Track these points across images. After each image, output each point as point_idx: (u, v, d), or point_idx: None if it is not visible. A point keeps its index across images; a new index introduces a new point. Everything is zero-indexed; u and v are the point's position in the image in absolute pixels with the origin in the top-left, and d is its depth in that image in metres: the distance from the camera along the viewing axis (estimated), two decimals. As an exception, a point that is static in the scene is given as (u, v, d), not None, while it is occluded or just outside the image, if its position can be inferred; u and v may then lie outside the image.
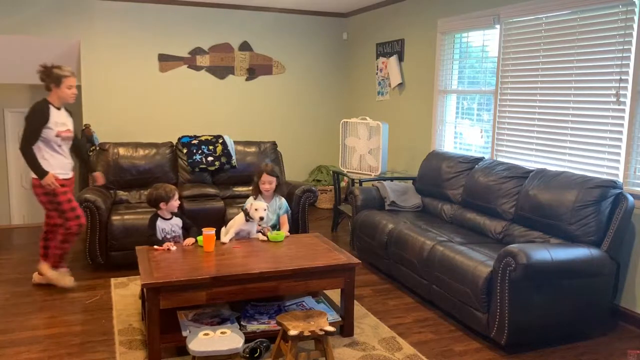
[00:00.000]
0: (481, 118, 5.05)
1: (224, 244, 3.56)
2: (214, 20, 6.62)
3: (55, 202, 3.88)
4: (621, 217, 3.35)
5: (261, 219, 3.64)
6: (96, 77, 6.24)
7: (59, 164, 3.90)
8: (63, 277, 4.08)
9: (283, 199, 4.06)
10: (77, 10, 6.06)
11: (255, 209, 3.64)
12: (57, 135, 3.84)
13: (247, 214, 3.65)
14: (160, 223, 3.60)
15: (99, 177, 4.37)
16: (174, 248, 3.43)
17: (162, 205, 3.60)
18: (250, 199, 3.99)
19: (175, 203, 3.65)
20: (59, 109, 3.90)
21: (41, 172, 3.78)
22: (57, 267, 4.09)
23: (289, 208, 4.10)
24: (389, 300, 4.00)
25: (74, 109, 6.74)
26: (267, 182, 3.92)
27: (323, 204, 7.04)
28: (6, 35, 5.84)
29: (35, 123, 3.77)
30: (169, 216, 3.65)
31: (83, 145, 4.30)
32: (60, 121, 3.88)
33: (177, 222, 3.69)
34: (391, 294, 4.11)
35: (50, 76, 3.82)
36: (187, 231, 3.71)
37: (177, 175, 5.34)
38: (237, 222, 3.70)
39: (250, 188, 4.24)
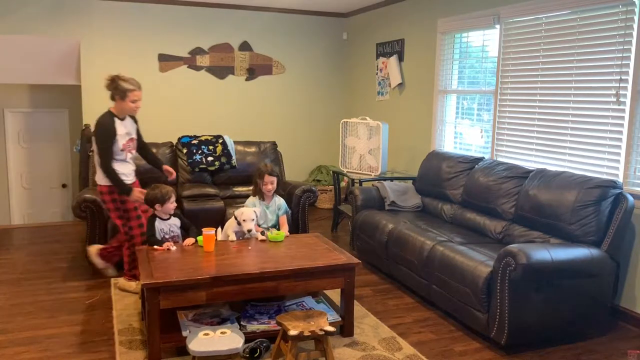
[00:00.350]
0: (481, 118, 5.05)
1: (232, 241, 3.58)
2: (214, 20, 6.62)
3: (123, 209, 3.84)
4: (621, 217, 3.35)
5: (249, 231, 3.59)
6: (96, 77, 6.21)
7: (125, 171, 3.87)
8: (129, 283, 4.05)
9: (282, 200, 4.07)
10: (77, 10, 6.06)
11: (244, 220, 3.60)
12: (123, 149, 3.83)
13: (236, 218, 3.66)
14: (158, 223, 3.60)
15: (170, 170, 4.24)
16: (174, 248, 3.43)
17: (157, 206, 3.60)
18: (251, 200, 4.00)
19: (170, 206, 3.63)
20: (122, 119, 3.86)
21: (127, 190, 3.77)
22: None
23: (288, 208, 4.10)
24: (389, 300, 4.00)
25: (74, 109, 6.79)
26: (270, 183, 3.94)
27: (323, 204, 7.04)
28: (6, 35, 5.84)
29: (105, 141, 3.74)
30: (166, 216, 3.64)
31: (146, 146, 4.23)
32: (124, 132, 3.85)
33: (175, 222, 3.68)
34: (391, 294, 4.11)
35: (117, 88, 3.77)
36: (186, 231, 3.71)
37: (177, 176, 5.33)
38: (231, 226, 3.70)
39: (251, 188, 4.24)
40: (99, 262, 4.08)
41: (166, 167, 4.25)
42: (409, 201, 4.91)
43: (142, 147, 4.16)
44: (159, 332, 2.94)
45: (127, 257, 3.97)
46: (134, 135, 3.97)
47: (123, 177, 3.82)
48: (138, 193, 3.79)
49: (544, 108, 4.24)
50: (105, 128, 3.74)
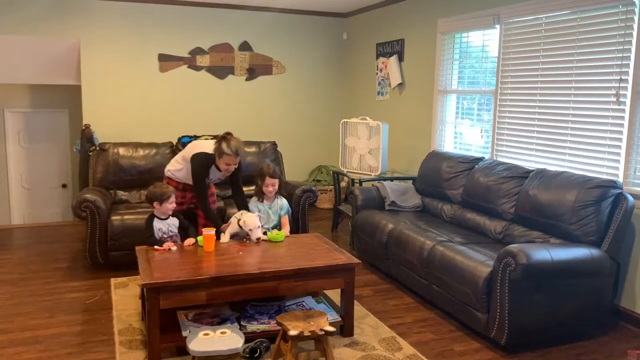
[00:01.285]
0: (481, 118, 5.05)
1: (223, 243, 3.56)
2: (214, 20, 6.62)
3: None
4: (621, 217, 3.35)
5: (258, 239, 3.55)
6: (96, 77, 6.24)
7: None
8: None
9: (284, 200, 4.07)
10: (77, 10, 6.06)
11: (250, 230, 3.55)
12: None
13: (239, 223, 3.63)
14: (156, 223, 3.59)
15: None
16: (174, 248, 3.43)
17: (155, 204, 3.59)
18: (253, 202, 3.99)
19: (169, 206, 3.61)
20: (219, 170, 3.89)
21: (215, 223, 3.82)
22: None
23: (289, 208, 4.10)
24: (389, 300, 4.00)
25: (74, 109, 6.79)
26: (271, 185, 3.94)
27: (323, 204, 7.04)
28: (6, 35, 5.84)
29: (201, 176, 3.86)
30: (164, 216, 3.64)
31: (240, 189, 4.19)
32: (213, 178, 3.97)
33: (173, 222, 3.68)
34: (391, 294, 4.11)
35: (217, 149, 3.76)
36: (184, 231, 3.70)
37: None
38: (231, 226, 3.68)
39: (251, 188, 4.24)
40: None
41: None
42: (409, 201, 4.91)
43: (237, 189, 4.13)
44: (159, 332, 2.94)
45: None
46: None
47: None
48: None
49: (544, 108, 4.24)
50: (202, 167, 3.85)
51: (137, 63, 6.37)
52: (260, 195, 3.99)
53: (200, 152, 3.82)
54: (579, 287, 3.23)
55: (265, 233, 3.79)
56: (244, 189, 5.41)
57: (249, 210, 3.86)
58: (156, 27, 6.39)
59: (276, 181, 3.95)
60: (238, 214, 3.68)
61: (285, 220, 4.00)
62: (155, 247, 3.43)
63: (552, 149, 4.18)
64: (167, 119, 6.53)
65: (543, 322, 3.19)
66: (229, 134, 3.80)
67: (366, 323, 3.54)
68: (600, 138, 3.79)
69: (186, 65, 6.59)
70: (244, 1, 6.41)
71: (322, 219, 6.47)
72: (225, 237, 3.60)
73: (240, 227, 3.60)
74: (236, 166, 3.83)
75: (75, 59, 6.21)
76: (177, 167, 4.04)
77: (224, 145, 3.74)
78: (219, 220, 3.88)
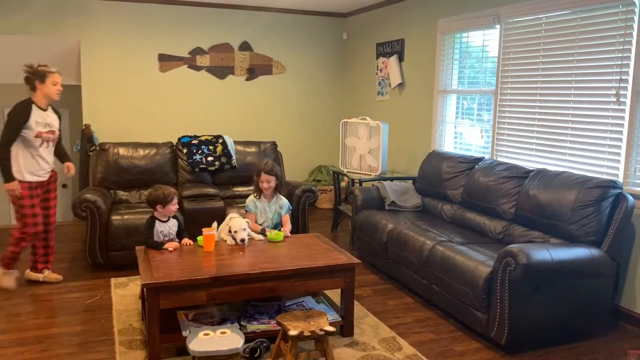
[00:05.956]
0: (481, 118, 5.05)
1: (230, 244, 3.55)
2: (214, 20, 6.62)
3: (18, 205, 3.84)
4: (621, 217, 3.35)
5: (242, 240, 3.52)
6: (96, 77, 6.24)
7: (29, 167, 3.83)
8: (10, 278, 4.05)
9: (284, 199, 4.06)
10: (77, 10, 6.06)
11: (235, 231, 3.53)
12: (37, 136, 3.78)
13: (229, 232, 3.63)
14: (158, 226, 3.58)
15: (69, 166, 4.22)
16: (172, 248, 3.43)
17: (158, 207, 3.58)
18: (251, 199, 4.00)
19: (172, 207, 3.60)
20: (44, 109, 3.85)
21: (7, 177, 3.73)
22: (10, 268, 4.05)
23: (290, 207, 4.09)
24: (389, 300, 4.00)
25: (74, 109, 6.79)
26: (266, 181, 3.91)
27: (323, 204, 7.04)
28: (6, 35, 5.84)
29: (13, 122, 3.71)
30: (165, 218, 3.63)
31: (62, 149, 4.19)
32: (42, 121, 3.81)
33: (173, 224, 3.67)
34: (391, 294, 4.11)
35: (36, 73, 3.77)
36: (178, 235, 3.68)
37: (177, 175, 5.34)
38: (225, 228, 3.67)
39: (251, 188, 4.24)
40: (5, 279, 4.02)
41: (67, 163, 4.20)
42: (409, 201, 4.91)
43: (56, 147, 4.11)
44: (159, 332, 2.94)
45: (10, 247, 3.94)
46: (55, 129, 3.93)
47: (30, 170, 3.82)
48: (16, 185, 3.75)
49: (544, 108, 4.24)
50: (18, 111, 3.74)
51: (137, 63, 6.37)
52: (259, 192, 3.98)
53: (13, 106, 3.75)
54: (579, 287, 3.23)
55: (264, 232, 3.78)
56: (244, 188, 5.46)
57: (66, 158, 4.13)
58: (156, 27, 6.39)
59: (272, 178, 3.92)
60: (227, 219, 3.69)
61: (287, 219, 3.99)
62: (166, 246, 3.41)
63: (552, 149, 4.18)
64: (167, 119, 6.54)
65: (543, 322, 3.19)
66: (37, 64, 3.79)
67: (366, 323, 3.54)
68: (600, 138, 3.79)
69: (186, 65, 6.59)
70: (244, 1, 6.41)
71: (322, 219, 6.47)
72: (229, 239, 3.59)
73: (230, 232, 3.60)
74: (60, 86, 3.81)
75: (75, 59, 6.21)
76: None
77: (42, 68, 3.77)
78: (10, 174, 3.75)
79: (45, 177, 3.98)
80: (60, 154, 4.20)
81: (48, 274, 4.19)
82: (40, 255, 4.16)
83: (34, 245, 4.13)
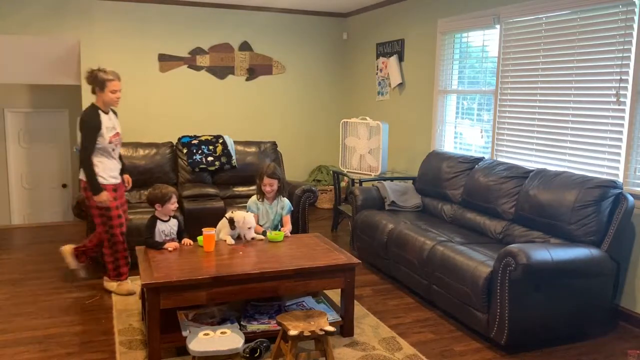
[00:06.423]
0: (481, 118, 5.05)
1: (230, 244, 3.54)
2: (214, 20, 6.62)
3: (104, 209, 3.82)
4: (621, 217, 3.35)
5: (252, 239, 3.60)
6: (96, 77, 6.23)
7: (108, 170, 3.84)
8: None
9: (286, 200, 4.06)
10: (77, 10, 6.06)
11: (249, 228, 3.59)
12: (110, 142, 3.80)
13: (231, 223, 3.62)
14: (160, 225, 3.58)
15: (127, 180, 4.21)
16: (171, 249, 3.43)
17: (157, 206, 3.59)
18: (253, 200, 4.00)
19: (171, 207, 3.61)
20: (106, 112, 3.83)
21: (96, 188, 3.74)
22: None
23: (291, 207, 4.09)
24: (389, 300, 4.00)
25: (74, 109, 6.79)
26: (268, 185, 3.92)
27: (323, 204, 7.04)
28: (6, 35, 5.84)
29: (90, 132, 3.71)
30: (165, 218, 3.63)
31: (120, 157, 4.18)
32: (109, 125, 3.82)
33: (174, 223, 3.68)
34: (391, 294, 4.11)
35: (95, 80, 3.75)
36: (178, 235, 3.68)
37: (177, 175, 5.34)
38: (224, 229, 3.67)
39: (251, 188, 4.24)
40: (72, 262, 4.07)
41: (125, 176, 4.17)
42: (409, 201, 4.91)
43: None
44: (159, 332, 2.94)
45: (108, 256, 3.94)
46: (119, 130, 3.93)
47: (110, 174, 3.83)
48: (105, 197, 3.75)
49: (544, 108, 4.24)
50: (90, 120, 3.73)
51: (137, 63, 6.37)
52: (261, 194, 3.99)
53: (82, 114, 3.75)
54: (579, 287, 3.23)
55: (264, 233, 3.79)
56: (244, 188, 5.46)
57: (125, 169, 4.08)
58: (156, 27, 6.39)
59: (274, 181, 3.93)
60: (228, 214, 3.67)
61: (287, 220, 3.99)
62: (166, 246, 3.42)
63: (552, 149, 4.18)
64: (167, 119, 6.53)
65: (543, 322, 3.19)
66: (95, 68, 3.76)
67: (366, 323, 3.54)
68: (600, 138, 3.79)
69: (186, 65, 6.59)
70: (244, 1, 6.41)
71: (322, 219, 6.47)
72: (229, 239, 3.58)
73: (232, 225, 3.60)
74: (120, 92, 3.78)
75: (75, 59, 6.21)
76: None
77: (102, 75, 3.73)
78: (97, 185, 3.76)
79: (119, 179, 3.99)
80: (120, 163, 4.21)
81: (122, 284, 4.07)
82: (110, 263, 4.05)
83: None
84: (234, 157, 5.53)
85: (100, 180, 3.78)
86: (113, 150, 3.87)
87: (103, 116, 3.78)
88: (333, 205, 6.26)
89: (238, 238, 3.65)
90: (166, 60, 6.50)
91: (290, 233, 3.88)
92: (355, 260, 3.32)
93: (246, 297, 3.19)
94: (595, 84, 3.82)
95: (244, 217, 3.60)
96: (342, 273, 3.28)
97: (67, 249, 4.10)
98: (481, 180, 4.26)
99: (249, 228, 3.59)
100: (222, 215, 4.66)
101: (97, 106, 3.79)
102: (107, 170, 3.83)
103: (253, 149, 5.67)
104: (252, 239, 3.61)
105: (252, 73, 6.90)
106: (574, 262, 3.19)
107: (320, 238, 3.79)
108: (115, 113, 3.99)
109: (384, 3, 6.27)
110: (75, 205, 4.36)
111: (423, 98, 5.70)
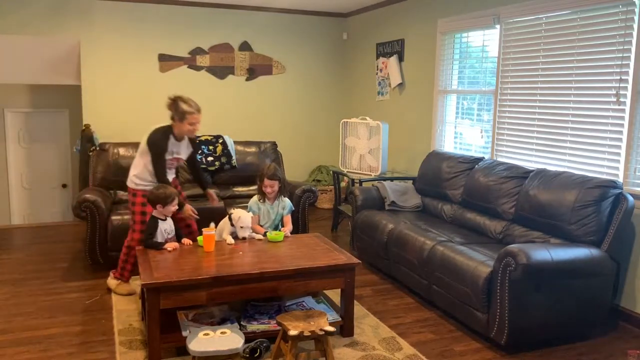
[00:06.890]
0: (481, 118, 5.05)
1: (230, 244, 3.55)
2: (214, 20, 6.62)
3: (140, 213, 3.81)
4: (621, 217, 3.35)
5: (243, 238, 3.62)
6: (96, 77, 6.24)
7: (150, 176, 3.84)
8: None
9: (287, 200, 4.06)
10: (77, 10, 6.06)
11: (241, 227, 3.60)
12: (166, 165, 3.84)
13: (230, 219, 3.65)
14: (161, 224, 3.58)
15: (212, 196, 4.25)
16: (171, 249, 3.43)
17: (158, 207, 3.59)
18: (254, 200, 4.00)
19: (171, 208, 3.60)
20: (179, 140, 3.82)
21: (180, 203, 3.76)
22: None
23: (292, 207, 4.10)
24: (389, 300, 4.00)
25: (74, 109, 6.79)
26: (269, 186, 3.92)
27: (323, 204, 7.04)
28: (6, 35, 5.84)
29: (158, 153, 3.73)
30: (164, 218, 3.63)
31: (201, 175, 4.31)
32: (175, 150, 3.82)
33: (171, 222, 3.67)
34: (391, 294, 4.11)
35: (177, 110, 3.71)
36: (178, 235, 3.68)
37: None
38: (226, 228, 3.69)
39: (251, 188, 4.24)
40: (123, 289, 3.98)
41: (210, 192, 4.23)
42: (409, 201, 4.91)
43: (193, 165, 4.20)
44: (159, 332, 2.94)
45: (123, 255, 3.95)
46: (183, 157, 3.94)
47: (149, 181, 3.83)
48: (190, 209, 3.83)
49: (544, 108, 4.24)
50: (158, 144, 3.74)
51: (137, 63, 6.37)
52: (262, 195, 3.99)
53: (155, 129, 3.77)
54: (579, 287, 3.23)
55: (265, 234, 3.79)
56: (244, 188, 5.45)
57: (207, 185, 4.17)
58: (156, 27, 6.39)
59: (275, 183, 3.93)
60: (231, 211, 3.70)
61: (288, 220, 3.99)
62: (166, 247, 3.42)
63: (552, 149, 4.18)
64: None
65: (543, 322, 3.19)
66: (177, 96, 3.76)
67: (366, 323, 3.54)
68: (600, 138, 3.79)
69: (186, 65, 6.59)
70: (244, 1, 6.41)
71: (322, 219, 6.47)
72: (229, 239, 3.59)
73: (231, 222, 3.61)
74: (199, 125, 3.78)
75: (75, 59, 6.21)
76: (139, 170, 3.81)
77: (183, 106, 3.70)
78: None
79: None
80: (200, 180, 4.29)
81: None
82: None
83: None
84: (234, 157, 5.53)
85: (136, 181, 3.79)
86: (169, 168, 3.87)
87: (172, 141, 3.79)
88: (333, 205, 6.26)
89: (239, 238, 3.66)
90: (166, 60, 6.50)
91: (291, 233, 3.88)
92: (355, 260, 3.32)
93: (246, 297, 3.19)
94: (595, 84, 3.82)
95: (240, 216, 3.63)
96: (342, 273, 3.28)
97: (112, 282, 4.03)
98: (481, 180, 4.26)
99: (242, 227, 3.60)
100: (222, 216, 4.67)
101: (171, 131, 3.77)
102: (148, 176, 3.82)
103: (253, 149, 5.67)
104: (244, 238, 3.62)
105: (252, 73, 6.90)
106: (574, 262, 3.19)
107: (320, 238, 3.79)
108: (192, 141, 3.99)
109: (384, 3, 6.27)
110: (75, 206, 4.35)
111: (423, 98, 5.70)
